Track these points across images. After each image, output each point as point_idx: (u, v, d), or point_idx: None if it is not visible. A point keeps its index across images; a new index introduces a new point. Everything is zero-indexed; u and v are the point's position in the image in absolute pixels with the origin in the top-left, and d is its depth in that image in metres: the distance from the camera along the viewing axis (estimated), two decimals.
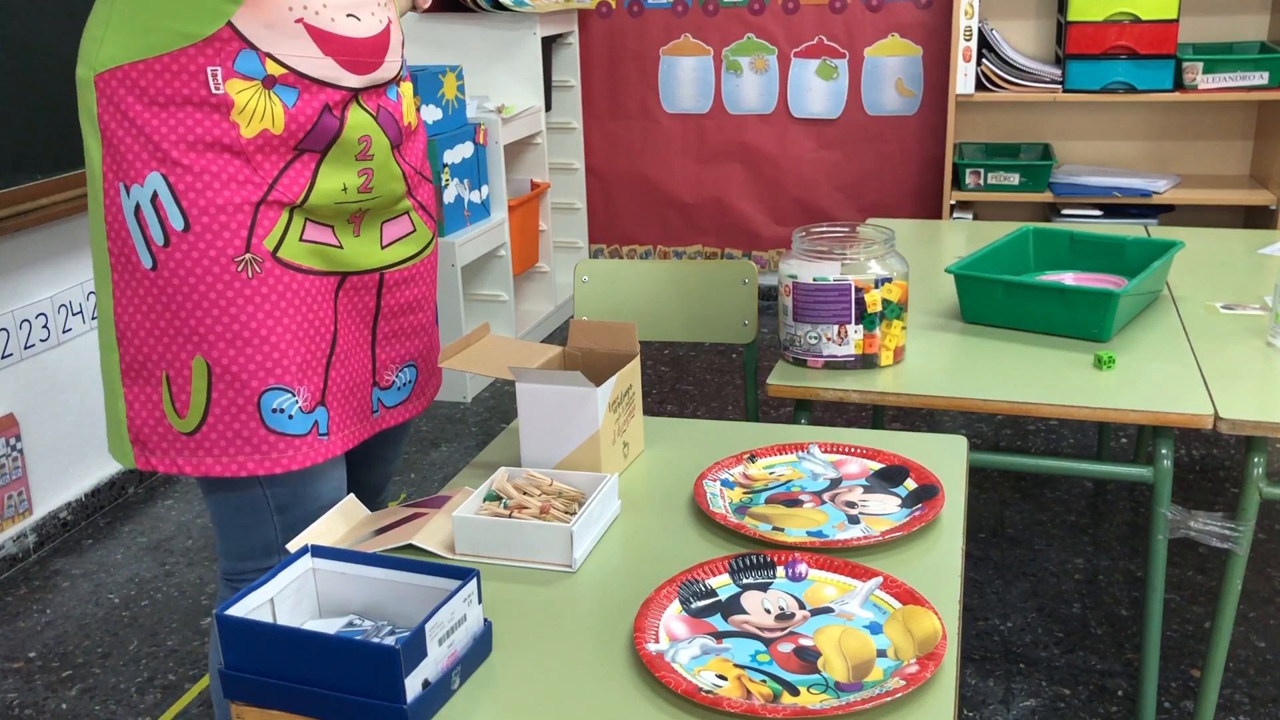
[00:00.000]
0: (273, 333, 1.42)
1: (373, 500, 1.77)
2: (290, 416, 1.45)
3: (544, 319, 4.38)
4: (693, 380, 3.89)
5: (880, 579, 1.20)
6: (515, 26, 4.08)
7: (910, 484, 1.44)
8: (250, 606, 1.10)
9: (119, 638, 2.53)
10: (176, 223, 1.38)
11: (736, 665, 1.09)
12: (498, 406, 3.75)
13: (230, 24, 1.35)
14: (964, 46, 3.77)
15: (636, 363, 1.53)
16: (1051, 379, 1.83)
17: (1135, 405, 1.73)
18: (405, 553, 1.31)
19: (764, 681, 1.07)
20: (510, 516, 1.32)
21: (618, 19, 4.44)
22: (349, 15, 1.42)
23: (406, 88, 1.56)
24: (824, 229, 1.88)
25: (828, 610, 1.18)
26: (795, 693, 1.05)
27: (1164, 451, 1.80)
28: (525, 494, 1.36)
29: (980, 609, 2.52)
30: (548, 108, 4.39)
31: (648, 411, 3.64)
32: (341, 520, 1.37)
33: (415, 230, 1.59)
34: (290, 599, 1.16)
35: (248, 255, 1.40)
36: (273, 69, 1.37)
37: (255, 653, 1.05)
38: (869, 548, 1.31)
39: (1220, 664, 1.93)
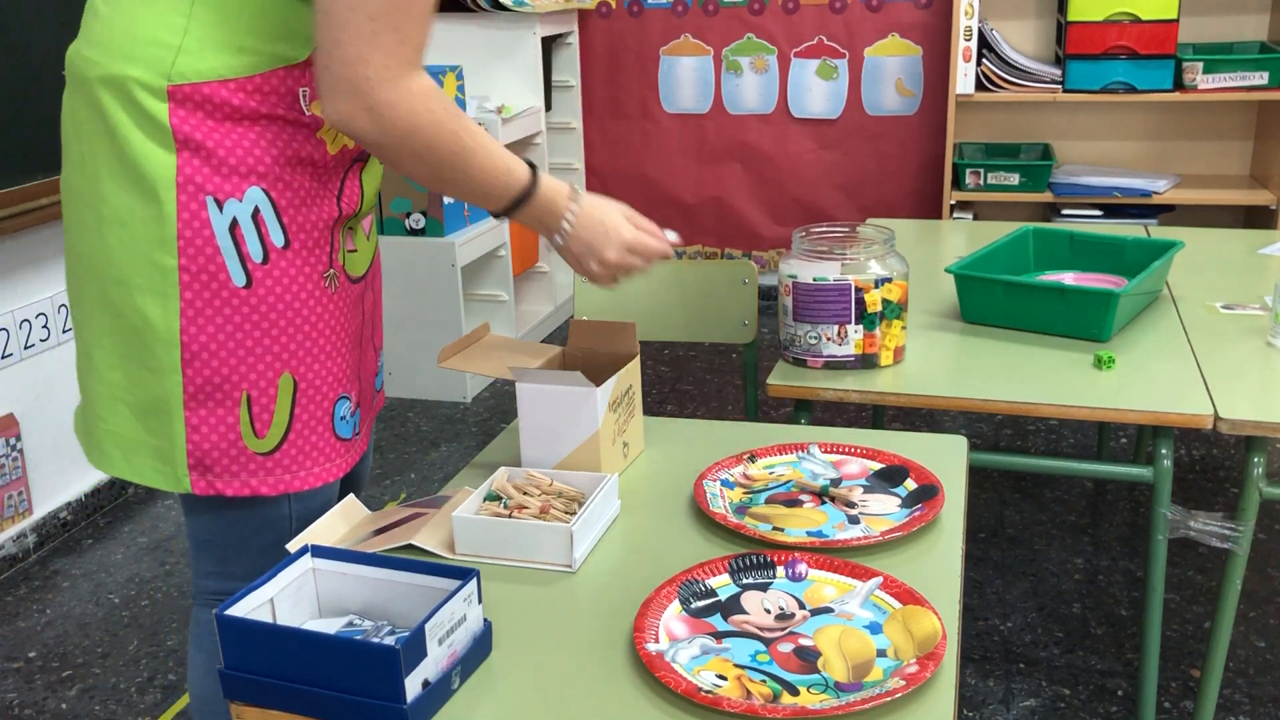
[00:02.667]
0: (342, 343, 1.45)
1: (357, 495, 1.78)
2: (347, 421, 1.48)
3: (544, 319, 4.38)
4: (693, 380, 3.89)
5: (880, 579, 1.20)
6: (515, 26, 4.08)
7: (910, 484, 1.44)
8: (250, 606, 1.10)
9: (119, 638, 2.53)
10: (277, 239, 1.37)
11: (736, 665, 1.09)
12: (498, 406, 3.75)
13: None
14: (964, 46, 3.77)
15: (636, 363, 1.53)
16: (1051, 379, 1.83)
17: (1135, 405, 1.73)
18: (405, 553, 1.31)
19: (764, 681, 1.07)
20: (510, 516, 1.32)
21: (618, 19, 4.44)
22: None
23: None
24: (824, 229, 1.88)
25: (828, 610, 1.18)
26: (795, 693, 1.05)
27: (1164, 451, 1.80)
28: (525, 494, 1.36)
29: (980, 609, 2.52)
30: (548, 108, 4.39)
31: (648, 411, 3.64)
32: (341, 520, 1.37)
33: (374, 224, 1.63)
34: (290, 599, 1.16)
35: (331, 270, 1.42)
36: None
37: (255, 653, 1.05)
38: (869, 548, 1.31)
39: (1220, 664, 1.93)
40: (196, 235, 1.33)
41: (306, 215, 1.39)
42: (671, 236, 1.55)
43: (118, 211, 1.34)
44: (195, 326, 1.36)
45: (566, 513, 1.34)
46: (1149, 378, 1.83)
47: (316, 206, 1.40)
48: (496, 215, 1.43)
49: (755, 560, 1.25)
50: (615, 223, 1.49)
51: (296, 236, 1.38)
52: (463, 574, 1.12)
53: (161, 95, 1.32)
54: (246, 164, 1.34)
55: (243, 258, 1.35)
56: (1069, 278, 2.24)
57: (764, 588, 1.23)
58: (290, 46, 1.35)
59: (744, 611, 1.18)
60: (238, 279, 1.35)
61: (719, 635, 1.14)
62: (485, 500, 1.36)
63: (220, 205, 1.33)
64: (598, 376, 1.54)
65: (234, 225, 1.34)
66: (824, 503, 1.41)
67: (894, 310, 1.84)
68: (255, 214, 1.35)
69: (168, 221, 1.33)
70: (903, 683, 1.04)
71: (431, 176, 1.34)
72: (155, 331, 1.36)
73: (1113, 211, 3.85)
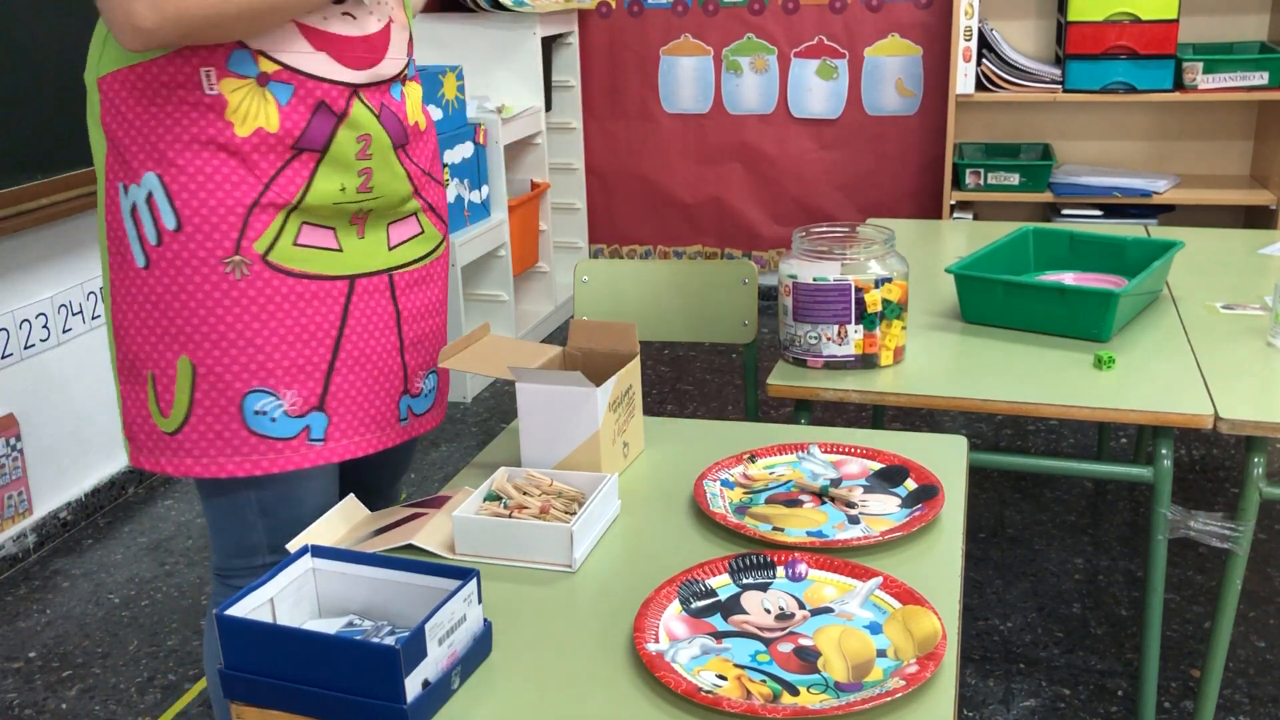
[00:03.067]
0: (258, 335, 1.43)
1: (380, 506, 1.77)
2: (274, 419, 1.45)
3: (544, 319, 4.38)
4: (693, 380, 3.89)
5: (880, 579, 1.20)
6: (515, 26, 4.08)
7: (910, 484, 1.44)
8: (250, 606, 1.10)
9: (119, 638, 2.53)
10: (169, 222, 1.39)
11: (736, 665, 1.09)
12: (498, 406, 3.75)
13: None
14: (964, 46, 3.77)
15: (636, 363, 1.53)
16: (1051, 379, 1.83)
17: (1135, 405, 1.73)
18: (405, 553, 1.31)
19: (764, 681, 1.07)
20: (510, 516, 1.32)
21: (618, 19, 4.44)
22: (344, 14, 1.41)
23: (413, 88, 1.55)
24: (824, 229, 1.88)
25: (828, 610, 1.18)
26: (795, 693, 1.05)
27: (1164, 451, 1.80)
28: (525, 494, 1.36)
29: (980, 609, 2.52)
30: (548, 108, 4.39)
31: (648, 411, 3.64)
32: (341, 520, 1.37)
33: (424, 232, 1.58)
34: (290, 599, 1.16)
35: (236, 257, 1.40)
36: (266, 66, 1.37)
37: (255, 653, 1.05)
38: (869, 548, 1.31)
39: (1220, 664, 1.93)
40: (114, 219, 1.43)
41: (205, 200, 1.39)
42: None
43: (99, 203, 1.48)
44: (115, 304, 1.46)
45: (566, 513, 1.34)
46: (1149, 378, 1.83)
47: (222, 190, 1.39)
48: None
49: (755, 560, 1.25)
50: None
51: (190, 220, 1.39)
52: (463, 574, 1.12)
53: (96, 90, 1.42)
54: (144, 150, 1.39)
55: (142, 240, 1.41)
56: (1069, 278, 2.24)
57: (764, 588, 1.23)
58: None
59: (744, 611, 1.18)
60: (139, 260, 1.42)
61: (719, 635, 1.14)
62: (485, 500, 1.36)
63: (125, 190, 1.41)
64: (598, 376, 1.54)
65: (134, 209, 1.41)
66: (824, 503, 1.41)
67: (894, 310, 1.84)
68: (149, 198, 1.40)
69: (100, 207, 1.46)
70: (903, 683, 1.04)
71: (250, 14, 1.31)
72: (106, 309, 1.49)
73: (1113, 211, 3.85)
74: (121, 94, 1.39)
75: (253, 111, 1.37)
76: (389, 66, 1.48)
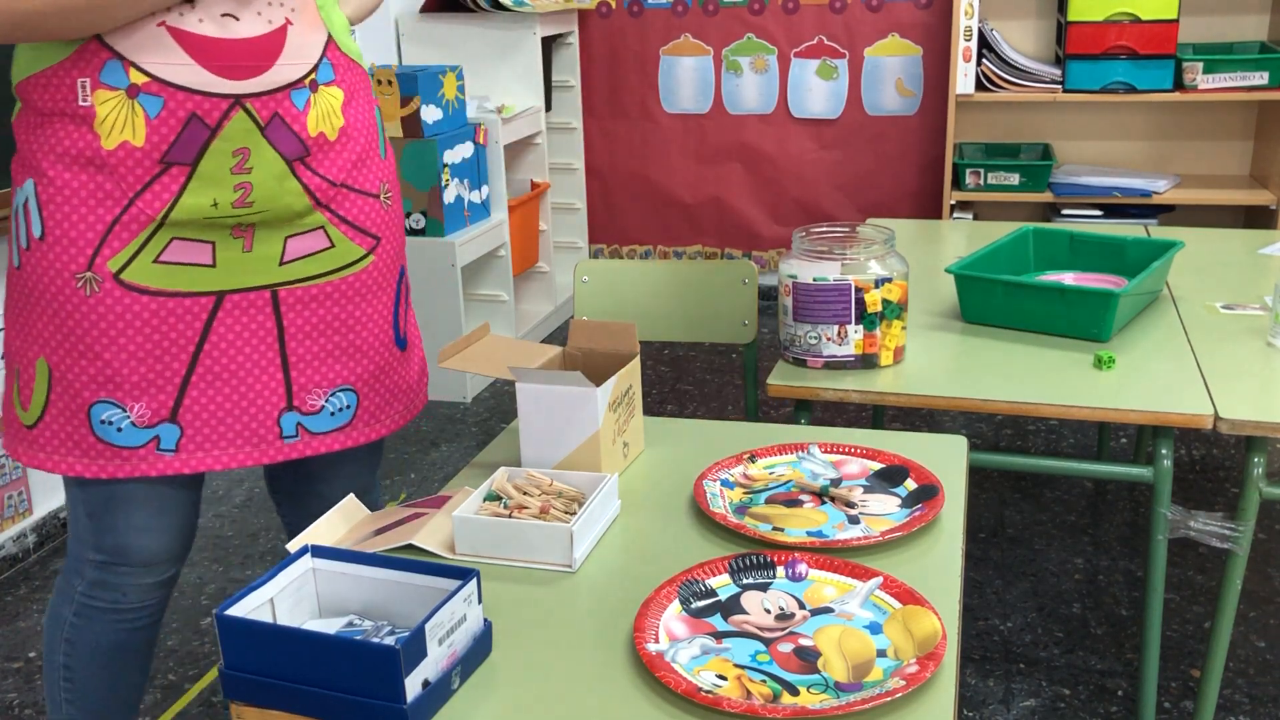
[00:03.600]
0: (106, 350, 1.44)
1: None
2: (119, 429, 1.47)
3: (544, 319, 4.38)
4: (693, 380, 3.89)
5: (880, 579, 1.20)
6: (515, 26, 4.09)
7: (910, 484, 1.44)
8: (250, 606, 1.11)
9: None
10: (36, 230, 1.42)
11: (736, 665, 1.09)
12: (498, 406, 3.75)
13: (97, 34, 1.34)
14: (964, 46, 3.77)
15: (636, 363, 1.53)
16: (1051, 379, 1.83)
17: (1135, 405, 1.73)
18: (405, 553, 1.31)
19: (764, 681, 1.07)
20: (510, 516, 1.32)
21: (618, 19, 4.44)
22: (224, 15, 1.35)
23: (328, 95, 1.46)
24: (824, 229, 1.88)
25: (828, 610, 1.18)
26: (795, 693, 1.05)
27: (1164, 451, 1.80)
28: (525, 494, 1.36)
29: (980, 609, 2.52)
30: (548, 108, 4.39)
31: (648, 411, 3.64)
32: (341, 520, 1.37)
33: (332, 247, 1.51)
34: (290, 599, 1.16)
35: (88, 274, 1.41)
36: (136, 77, 1.34)
37: (255, 653, 1.05)
38: (869, 548, 1.31)
39: (1220, 664, 1.93)
40: (13, 215, 1.47)
41: (68, 213, 1.40)
42: None
43: None
44: (4, 294, 1.52)
45: (566, 513, 1.34)
46: (1149, 378, 1.83)
47: (85, 206, 1.40)
48: None
49: (755, 560, 1.25)
50: None
51: (52, 231, 1.41)
52: (463, 574, 1.12)
53: (17, 96, 1.44)
54: (28, 156, 1.42)
55: (18, 242, 1.45)
56: (1069, 278, 2.24)
57: (764, 588, 1.23)
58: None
59: (744, 611, 1.18)
60: (15, 260, 1.46)
61: (719, 635, 1.14)
62: (485, 500, 1.36)
63: (16, 191, 1.45)
64: (598, 376, 1.54)
65: (16, 211, 1.45)
66: (824, 503, 1.41)
67: (894, 310, 1.84)
68: (25, 204, 1.43)
69: None
70: (903, 683, 1.04)
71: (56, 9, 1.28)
72: None
73: (1113, 211, 3.85)
74: (28, 99, 1.41)
75: (119, 124, 1.36)
76: (284, 73, 1.40)
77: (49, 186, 1.40)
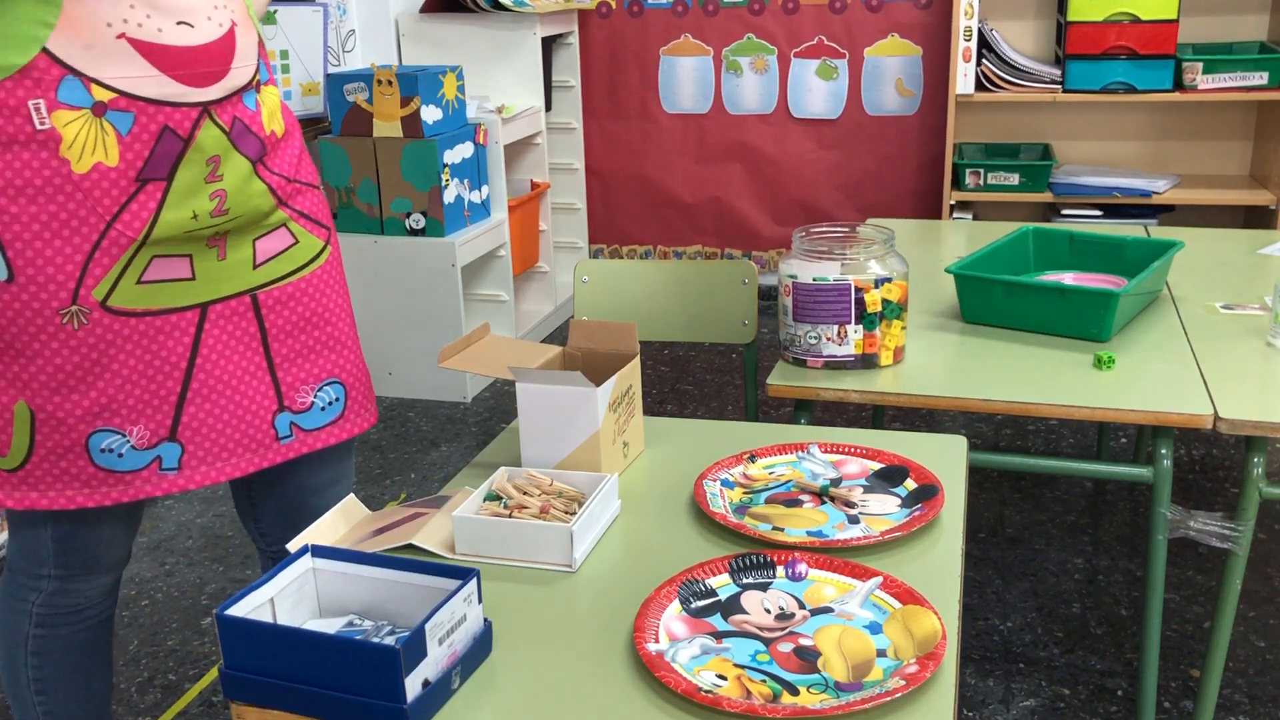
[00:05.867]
0: (100, 379, 1.38)
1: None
2: (120, 455, 1.42)
3: (544, 319, 4.38)
4: (693, 380, 3.90)
5: (880, 579, 1.20)
6: (515, 26, 4.09)
7: (910, 484, 1.44)
8: (250, 606, 1.11)
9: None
10: (0, 273, 1.31)
11: (736, 665, 1.09)
12: (498, 406, 3.75)
13: (46, 50, 1.26)
14: (964, 46, 3.77)
15: (636, 363, 1.53)
16: (1051, 379, 1.83)
17: (1135, 405, 1.73)
18: (405, 553, 1.31)
19: (764, 681, 1.07)
20: (510, 516, 1.32)
21: (618, 19, 4.44)
22: (180, 23, 1.33)
23: (269, 93, 1.46)
24: (824, 229, 1.88)
25: (828, 610, 1.18)
26: (795, 692, 1.05)
27: (1164, 451, 1.80)
28: (525, 494, 1.36)
29: (980, 609, 2.52)
30: (548, 108, 4.39)
31: (648, 411, 3.64)
32: (341, 520, 1.37)
33: (297, 243, 1.51)
34: (290, 599, 1.16)
35: (74, 307, 1.33)
36: (100, 94, 1.28)
37: (255, 653, 1.05)
38: (869, 548, 1.31)
39: (1220, 664, 1.93)
40: None
41: (40, 250, 1.30)
42: None
43: None
44: None
45: (566, 513, 1.34)
46: (1149, 378, 1.83)
47: (60, 239, 1.31)
48: None
49: (755, 560, 1.25)
50: None
51: (23, 271, 1.31)
52: (463, 574, 1.12)
53: None
54: None
55: None
56: (1069, 278, 2.24)
57: (764, 588, 1.23)
58: (8, 53, 1.26)
59: (744, 611, 1.18)
60: None
61: (719, 635, 1.14)
62: (485, 500, 1.36)
63: None
64: (598, 376, 1.55)
65: None
66: (824, 503, 1.41)
67: (894, 310, 1.84)
68: None
69: None
70: (903, 683, 1.04)
71: None
72: None
73: (1113, 211, 3.85)
74: None
75: (89, 145, 1.29)
76: (238, 75, 1.39)
77: (12, 224, 1.29)
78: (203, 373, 1.45)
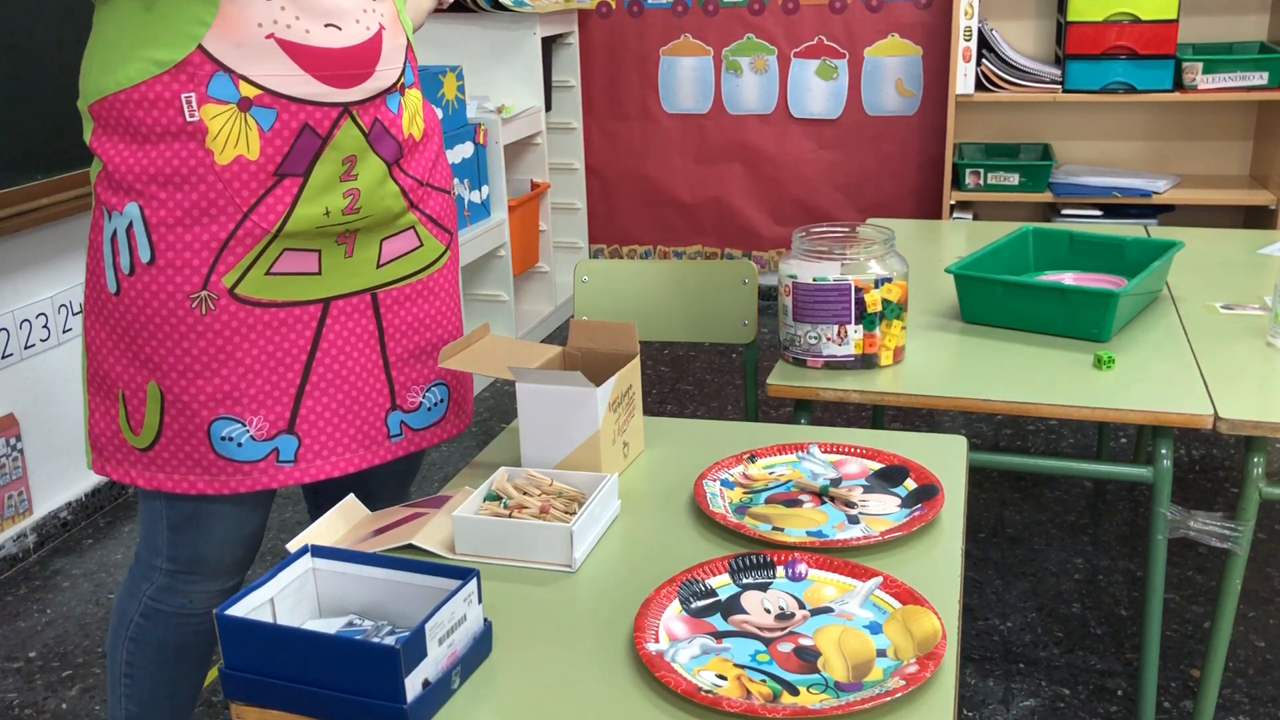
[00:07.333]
0: (224, 366, 1.43)
1: None
2: (240, 444, 1.46)
3: (544, 319, 4.38)
4: (693, 380, 3.90)
5: (880, 579, 1.20)
6: (515, 26, 4.09)
7: (910, 484, 1.44)
8: (250, 606, 1.11)
9: None
10: (144, 255, 1.39)
11: (736, 665, 1.09)
12: (498, 406, 3.75)
13: (201, 47, 1.32)
14: (964, 46, 3.77)
15: (636, 363, 1.53)
16: (1051, 379, 1.83)
17: (1135, 405, 1.73)
18: (405, 553, 1.31)
19: (764, 681, 1.07)
20: (510, 516, 1.32)
21: (618, 19, 4.44)
22: (328, 25, 1.37)
23: (412, 96, 1.50)
24: (824, 229, 1.88)
25: (827, 610, 1.18)
26: (795, 692, 1.05)
27: (1164, 451, 1.80)
28: (525, 494, 1.36)
29: (980, 609, 2.52)
30: (548, 108, 4.39)
31: (648, 411, 3.64)
32: (341, 520, 1.37)
33: (421, 245, 1.55)
34: (290, 599, 1.16)
35: (204, 293, 1.39)
36: (247, 90, 1.34)
37: (255, 653, 1.05)
38: (869, 548, 1.31)
39: (1220, 664, 1.93)
40: (97, 239, 1.43)
41: (181, 235, 1.37)
42: None
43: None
44: (89, 321, 1.47)
45: (566, 513, 1.34)
46: (1149, 378, 1.83)
47: (199, 225, 1.37)
48: None
49: (755, 560, 1.25)
50: None
51: (164, 255, 1.38)
52: (463, 574, 1.12)
53: (87, 116, 1.40)
54: (127, 180, 1.37)
55: (116, 267, 1.41)
56: (1069, 278, 2.24)
57: (764, 588, 1.23)
58: (167, 49, 1.33)
59: (744, 611, 1.18)
60: (111, 286, 1.42)
61: (719, 635, 1.15)
62: (485, 500, 1.36)
63: (109, 215, 1.40)
64: (598, 376, 1.55)
65: (114, 236, 1.40)
66: (824, 503, 1.41)
67: (894, 310, 1.84)
68: (129, 229, 1.38)
69: (92, 218, 1.44)
70: (902, 683, 1.04)
71: None
72: (83, 318, 1.49)
73: (1113, 211, 3.85)
74: (110, 120, 1.37)
75: (233, 138, 1.34)
76: (383, 78, 1.43)
77: (159, 209, 1.37)
78: (321, 366, 1.49)
